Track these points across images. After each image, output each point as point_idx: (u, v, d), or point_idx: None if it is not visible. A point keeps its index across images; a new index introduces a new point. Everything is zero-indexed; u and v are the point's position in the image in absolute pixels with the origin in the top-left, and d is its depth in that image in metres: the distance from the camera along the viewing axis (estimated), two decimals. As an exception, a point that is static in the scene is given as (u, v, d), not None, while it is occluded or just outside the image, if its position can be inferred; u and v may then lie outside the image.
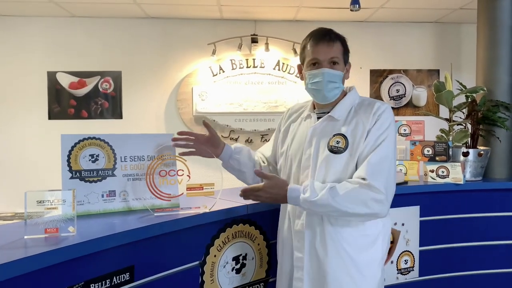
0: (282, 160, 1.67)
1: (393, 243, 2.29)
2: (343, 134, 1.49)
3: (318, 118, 1.57)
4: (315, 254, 1.51)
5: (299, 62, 1.63)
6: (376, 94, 4.34)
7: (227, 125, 4.18)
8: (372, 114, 1.48)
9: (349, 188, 1.39)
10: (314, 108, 1.63)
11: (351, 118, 1.52)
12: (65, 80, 4.12)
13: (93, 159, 1.63)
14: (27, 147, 4.07)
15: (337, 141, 1.48)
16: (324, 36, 1.50)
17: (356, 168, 1.46)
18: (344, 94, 1.58)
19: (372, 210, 1.40)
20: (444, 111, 3.11)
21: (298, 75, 1.66)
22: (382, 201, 1.39)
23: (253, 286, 1.82)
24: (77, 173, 1.60)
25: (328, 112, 1.55)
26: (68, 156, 1.60)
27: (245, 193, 1.52)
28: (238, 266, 1.77)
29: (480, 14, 2.94)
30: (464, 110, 2.72)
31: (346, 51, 1.55)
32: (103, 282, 1.30)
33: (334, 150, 1.47)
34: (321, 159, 1.49)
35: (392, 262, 2.29)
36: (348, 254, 1.48)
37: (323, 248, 1.49)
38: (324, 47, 1.48)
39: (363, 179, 1.40)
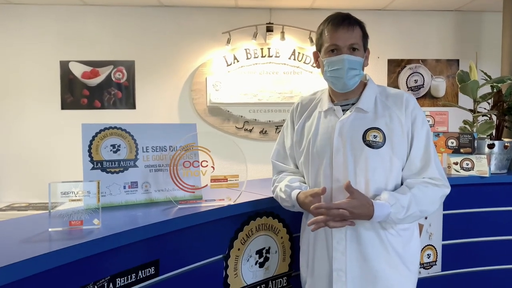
0: (303, 159, 1.54)
1: (416, 237, 2.23)
2: (379, 128, 1.41)
3: (343, 110, 1.48)
4: (360, 254, 1.43)
5: (315, 50, 1.54)
6: (394, 85, 4.25)
7: (242, 116, 4.12)
8: (405, 108, 1.44)
9: (427, 192, 1.41)
10: (333, 101, 1.52)
11: (382, 110, 1.45)
12: (78, 70, 4.08)
13: (115, 150, 1.59)
14: (40, 138, 4.06)
15: (374, 135, 1.41)
16: (344, 21, 1.41)
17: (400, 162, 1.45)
18: (363, 83, 1.51)
19: (441, 204, 1.48)
20: (463, 102, 3.03)
21: (314, 64, 1.56)
22: (447, 193, 1.46)
23: (276, 280, 1.78)
24: (99, 164, 1.56)
25: (353, 104, 1.47)
26: (89, 146, 1.56)
27: (324, 211, 1.33)
28: (262, 259, 1.73)
29: (507, 1, 2.84)
30: (489, 101, 2.63)
31: (365, 36, 1.47)
32: (129, 276, 1.27)
33: (372, 145, 1.40)
34: (358, 155, 1.41)
35: (415, 256, 2.24)
36: (395, 249, 1.43)
37: (370, 246, 1.42)
38: (344, 32, 1.40)
39: (431, 178, 1.42)
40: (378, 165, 1.40)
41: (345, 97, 1.49)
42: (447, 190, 1.45)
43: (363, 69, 1.47)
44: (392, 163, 1.42)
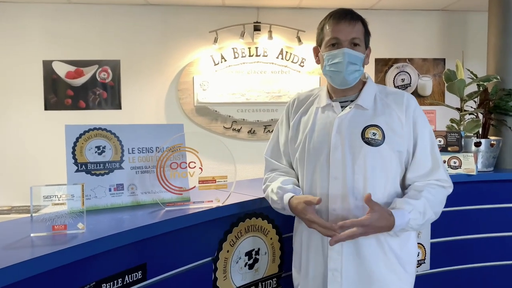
0: (298, 155, 1.51)
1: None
2: (378, 126, 1.39)
3: (342, 107, 1.46)
4: (357, 253, 1.40)
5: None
6: (381, 84, 4.27)
7: (229, 116, 4.09)
8: (406, 108, 1.41)
9: (436, 194, 1.39)
10: (331, 97, 1.50)
11: (382, 107, 1.43)
12: (61, 70, 4.00)
13: (100, 151, 1.55)
14: (23, 139, 3.96)
15: (373, 133, 1.39)
16: (346, 15, 1.40)
17: (399, 163, 1.43)
18: (362, 82, 1.49)
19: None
20: (450, 101, 3.06)
21: (314, 58, 1.53)
22: (450, 193, 1.46)
23: (266, 282, 1.76)
24: (83, 166, 1.52)
25: (352, 101, 1.45)
26: (73, 148, 1.52)
27: (347, 227, 1.28)
28: (251, 261, 1.71)
29: (492, 1, 2.86)
30: (475, 99, 2.65)
31: (367, 33, 1.46)
32: (115, 281, 1.23)
33: (371, 143, 1.38)
34: (357, 152, 1.38)
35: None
36: (393, 250, 1.41)
37: (367, 246, 1.39)
38: (346, 26, 1.38)
39: (438, 180, 1.41)
40: (377, 163, 1.38)
41: (344, 93, 1.47)
42: (451, 190, 1.45)
43: (363, 67, 1.45)
44: (391, 161, 1.40)
